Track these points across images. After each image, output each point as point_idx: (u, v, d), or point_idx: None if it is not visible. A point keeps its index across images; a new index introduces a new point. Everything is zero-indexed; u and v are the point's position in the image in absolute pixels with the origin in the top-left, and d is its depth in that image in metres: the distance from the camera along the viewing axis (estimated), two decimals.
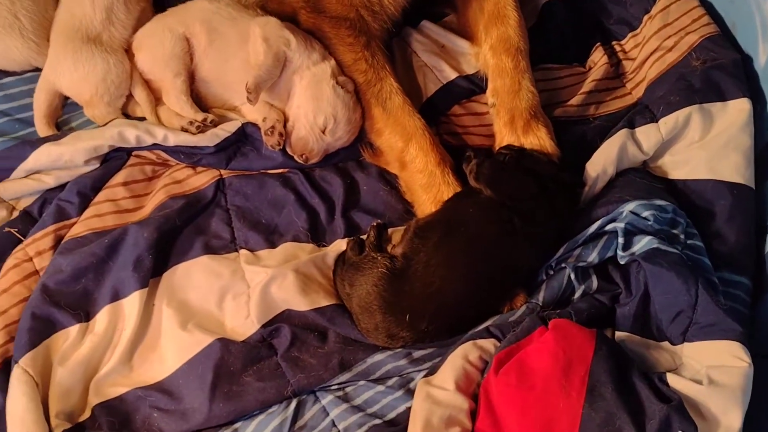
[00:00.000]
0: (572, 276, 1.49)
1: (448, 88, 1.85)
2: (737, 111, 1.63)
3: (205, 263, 1.58)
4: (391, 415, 1.41)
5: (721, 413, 1.25)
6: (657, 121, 1.66)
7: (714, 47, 1.74)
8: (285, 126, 1.70)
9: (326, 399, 1.44)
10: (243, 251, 1.61)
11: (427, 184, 1.65)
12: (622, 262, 1.48)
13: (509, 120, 1.71)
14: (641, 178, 1.61)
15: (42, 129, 1.75)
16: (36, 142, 1.68)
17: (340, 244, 1.62)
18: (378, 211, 1.68)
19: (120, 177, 1.69)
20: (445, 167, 1.66)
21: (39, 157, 1.65)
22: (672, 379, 1.30)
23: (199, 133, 1.70)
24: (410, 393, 1.41)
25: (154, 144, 1.70)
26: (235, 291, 1.55)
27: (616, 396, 1.25)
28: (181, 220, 1.62)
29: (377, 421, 1.40)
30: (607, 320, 1.48)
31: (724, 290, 1.48)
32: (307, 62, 1.71)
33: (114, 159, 1.72)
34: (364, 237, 1.61)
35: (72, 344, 1.48)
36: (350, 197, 1.70)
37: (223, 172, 1.73)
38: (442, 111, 1.84)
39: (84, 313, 1.52)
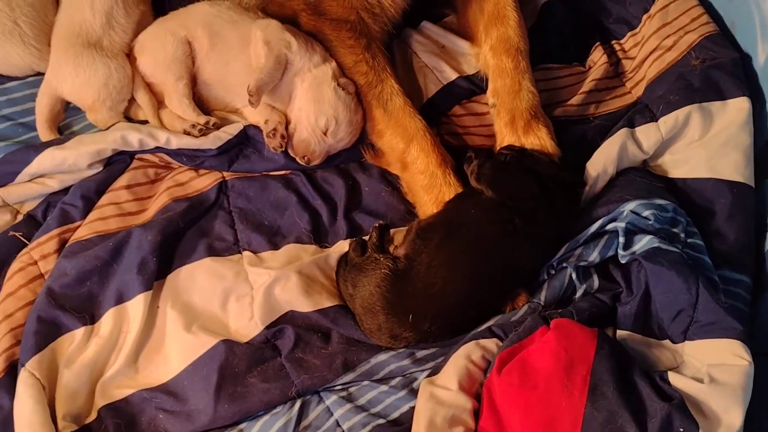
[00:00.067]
0: (573, 275, 1.50)
1: (448, 88, 1.86)
2: (737, 110, 1.64)
3: (208, 265, 1.59)
4: (395, 414, 1.42)
5: (722, 411, 1.25)
6: (657, 120, 1.67)
7: (713, 46, 1.74)
8: (287, 128, 1.71)
9: (330, 399, 1.45)
10: (246, 253, 1.62)
11: (428, 185, 1.66)
12: (622, 262, 1.49)
13: (510, 120, 1.72)
14: (641, 177, 1.62)
15: (44, 133, 1.76)
16: (40, 147, 1.69)
17: (343, 245, 1.63)
18: (380, 212, 1.69)
19: (123, 180, 1.70)
20: (447, 168, 1.66)
21: (43, 161, 1.66)
22: (673, 378, 1.31)
23: (201, 135, 1.71)
24: (413, 393, 1.42)
25: (157, 147, 1.71)
26: (239, 293, 1.56)
27: (617, 395, 1.25)
28: (185, 222, 1.63)
29: (381, 421, 1.41)
30: (608, 319, 1.48)
31: (725, 288, 1.49)
32: (308, 64, 1.72)
33: (117, 162, 1.73)
34: (366, 238, 1.61)
35: (78, 347, 1.49)
36: (352, 198, 1.71)
37: (225, 174, 1.73)
38: (443, 111, 1.84)
39: (89, 316, 1.53)
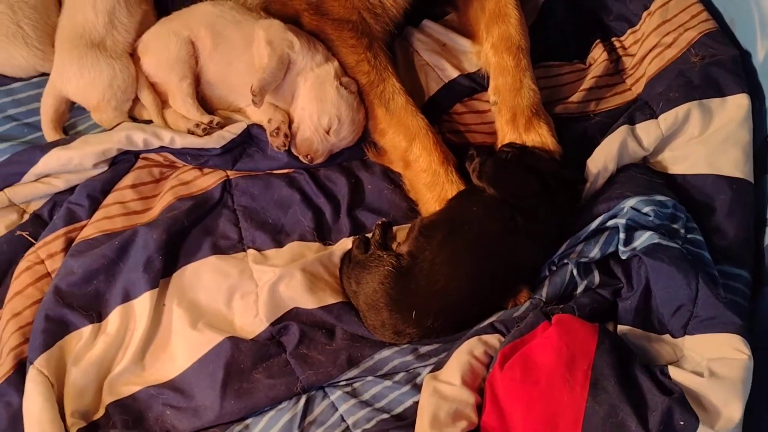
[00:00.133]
0: (574, 271, 1.51)
1: (450, 86, 1.87)
2: (736, 106, 1.65)
3: (213, 263, 1.61)
4: (399, 409, 1.44)
5: (722, 405, 1.27)
6: (657, 117, 1.68)
7: (713, 43, 1.75)
8: (290, 127, 1.72)
9: (335, 395, 1.46)
10: (250, 251, 1.64)
11: (431, 183, 1.67)
12: (623, 257, 1.50)
13: (511, 118, 1.73)
14: (641, 173, 1.63)
15: (49, 134, 1.78)
16: (45, 147, 1.70)
17: (346, 243, 1.64)
18: (382, 209, 1.70)
19: (128, 179, 1.71)
20: (449, 166, 1.68)
21: (49, 161, 1.68)
22: (673, 372, 1.32)
23: (205, 135, 1.72)
24: (417, 388, 1.43)
25: (162, 146, 1.72)
26: (244, 290, 1.57)
27: (618, 389, 1.27)
28: (189, 221, 1.65)
29: (385, 416, 1.42)
30: (609, 314, 1.50)
31: (724, 283, 1.50)
32: (310, 64, 1.73)
33: (122, 162, 1.74)
34: (369, 235, 1.63)
35: (85, 345, 1.51)
36: (355, 196, 1.72)
37: (229, 173, 1.75)
38: (445, 109, 1.86)
39: (96, 314, 1.54)
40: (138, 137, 1.71)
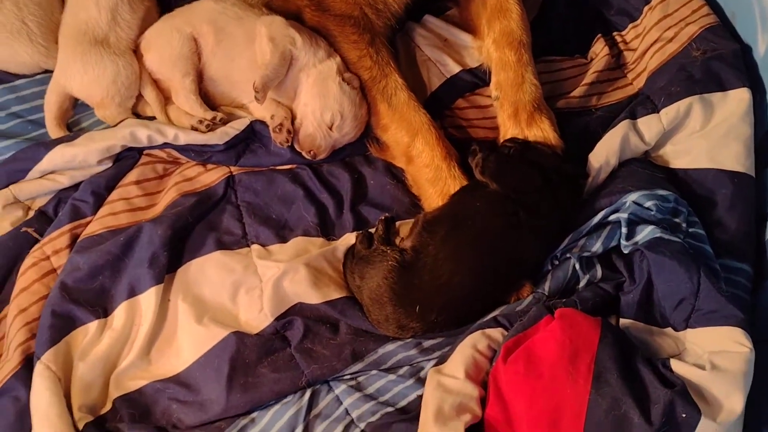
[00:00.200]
0: (577, 266, 1.52)
1: (452, 81, 1.88)
2: (737, 101, 1.66)
3: (218, 259, 1.61)
4: (403, 403, 1.45)
5: (724, 397, 1.27)
6: (658, 112, 1.69)
7: (714, 38, 1.76)
8: (293, 123, 1.73)
9: (339, 388, 1.47)
10: (255, 246, 1.65)
11: (433, 178, 1.68)
12: (625, 252, 1.51)
13: (513, 113, 1.74)
14: (643, 168, 1.64)
15: (53, 131, 1.78)
16: (50, 144, 1.71)
17: (350, 238, 1.65)
18: (385, 204, 1.71)
19: (132, 176, 1.72)
20: (451, 161, 1.68)
21: (53, 158, 1.68)
22: (675, 365, 1.33)
23: (208, 131, 1.73)
24: (421, 381, 1.44)
25: (165, 143, 1.73)
26: (248, 285, 1.58)
27: (621, 382, 1.27)
28: (194, 216, 1.65)
29: (389, 409, 1.43)
30: (611, 308, 1.50)
31: (726, 277, 1.50)
32: (313, 60, 1.74)
33: (126, 158, 1.75)
34: (372, 230, 1.64)
35: (91, 340, 1.52)
36: (358, 191, 1.73)
37: (232, 169, 1.76)
38: (447, 105, 1.86)
39: (102, 310, 1.55)
40: (142, 134, 1.72)
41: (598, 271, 1.54)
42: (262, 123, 1.76)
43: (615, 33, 1.97)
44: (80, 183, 1.71)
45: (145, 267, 1.56)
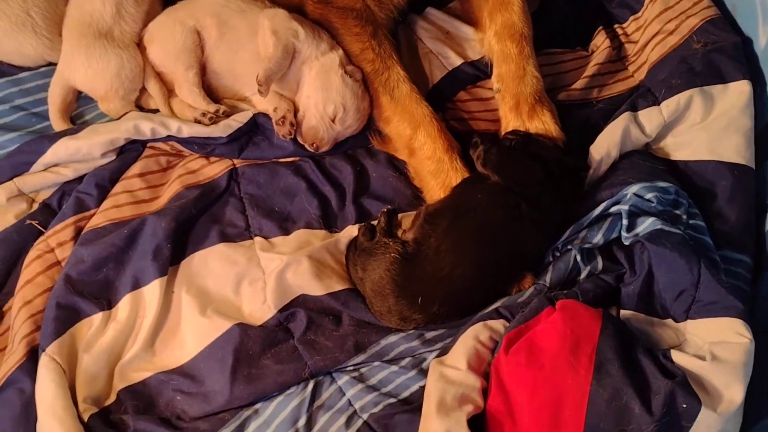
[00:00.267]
0: (578, 257, 1.52)
1: (453, 74, 1.88)
2: (737, 93, 1.66)
3: (221, 251, 1.62)
4: (405, 394, 1.45)
5: (724, 388, 1.28)
6: (659, 104, 1.69)
7: (715, 30, 1.76)
8: (295, 115, 1.74)
9: (342, 380, 1.48)
10: (258, 239, 1.65)
11: (435, 171, 1.69)
12: (626, 243, 1.52)
13: (514, 105, 1.74)
14: (644, 160, 1.64)
15: (57, 123, 1.79)
16: (54, 136, 1.71)
17: (352, 230, 1.66)
18: (387, 197, 1.72)
19: (136, 168, 1.73)
20: (453, 153, 1.69)
21: (57, 150, 1.69)
22: (676, 356, 1.34)
23: (211, 124, 1.73)
24: (423, 372, 1.45)
25: (169, 136, 1.74)
26: (252, 277, 1.59)
27: (622, 372, 1.28)
28: (197, 209, 1.66)
29: (392, 400, 1.44)
30: (612, 299, 1.51)
31: (726, 268, 1.51)
32: (315, 53, 1.74)
33: (129, 151, 1.76)
34: (374, 223, 1.64)
35: (96, 332, 1.53)
36: (360, 184, 1.74)
37: (235, 161, 1.76)
38: (448, 97, 1.87)
39: (106, 302, 1.56)
40: (145, 126, 1.72)
41: (599, 263, 1.54)
42: (265, 116, 1.76)
43: (616, 25, 1.97)
44: (84, 176, 1.72)
45: (148, 259, 1.57)
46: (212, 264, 1.61)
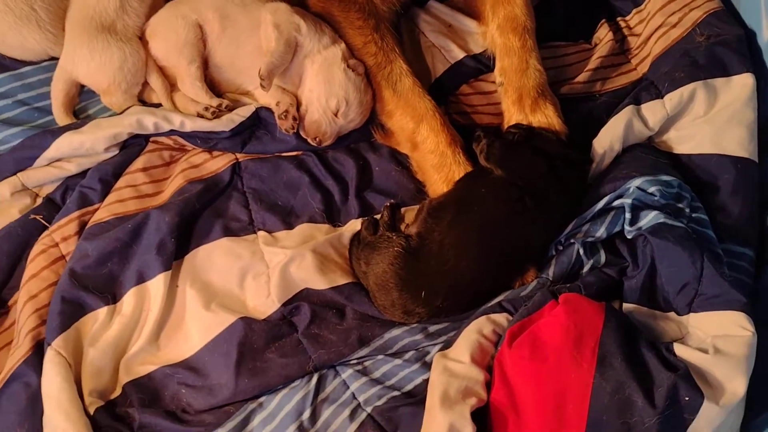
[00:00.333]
0: (581, 251, 1.53)
1: (456, 67, 1.88)
2: (741, 86, 1.66)
3: (225, 245, 1.63)
4: (409, 387, 1.46)
5: (727, 381, 1.29)
6: (662, 97, 1.69)
7: (718, 23, 1.76)
8: (298, 110, 1.74)
9: (346, 373, 1.48)
10: (261, 233, 1.66)
11: (438, 164, 1.69)
12: (629, 237, 1.52)
13: (517, 98, 1.74)
14: (647, 153, 1.65)
15: (60, 118, 1.79)
16: (57, 131, 1.71)
17: (355, 224, 1.66)
18: (390, 191, 1.72)
19: (139, 163, 1.73)
20: (456, 147, 1.69)
21: (60, 145, 1.69)
22: (679, 349, 1.34)
23: (214, 118, 1.73)
24: (427, 366, 1.46)
25: (172, 130, 1.73)
26: (255, 271, 1.59)
27: (625, 366, 1.29)
28: (200, 203, 1.66)
29: (396, 393, 1.45)
30: (615, 293, 1.52)
31: (729, 261, 1.51)
32: (317, 46, 1.74)
33: (132, 145, 1.75)
34: (377, 217, 1.65)
35: (101, 326, 1.53)
36: (363, 178, 1.74)
37: (238, 155, 1.76)
38: (451, 91, 1.87)
39: (111, 296, 1.57)
40: (148, 121, 1.72)
41: (602, 257, 1.55)
42: (268, 110, 1.76)
43: (619, 18, 1.97)
44: (87, 170, 1.72)
45: (153, 253, 1.58)
46: (216, 258, 1.62)
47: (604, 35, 1.93)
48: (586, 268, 1.54)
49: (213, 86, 1.80)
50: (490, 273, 1.52)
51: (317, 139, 1.72)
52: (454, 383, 1.36)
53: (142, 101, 1.81)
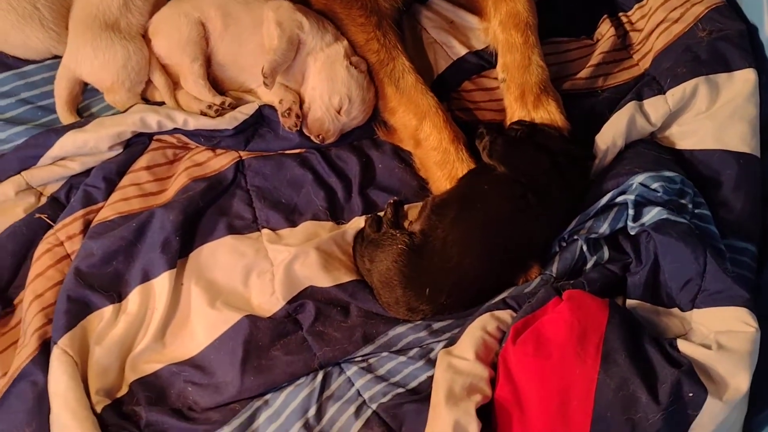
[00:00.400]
0: (584, 247, 1.53)
1: (458, 64, 1.88)
2: (743, 81, 1.66)
3: (229, 243, 1.63)
4: (413, 384, 1.47)
5: (730, 376, 1.29)
6: (664, 93, 1.69)
7: (720, 18, 1.76)
8: (301, 107, 1.74)
9: (351, 370, 1.49)
10: (265, 231, 1.66)
11: (441, 161, 1.69)
12: (632, 233, 1.52)
13: (520, 95, 1.74)
14: (649, 149, 1.65)
15: (64, 116, 1.79)
16: (61, 130, 1.72)
17: (359, 222, 1.66)
18: (393, 188, 1.72)
19: (143, 161, 1.73)
20: (459, 144, 1.69)
21: (64, 144, 1.69)
22: (682, 345, 1.35)
23: (217, 116, 1.73)
24: (431, 363, 1.46)
25: (175, 128, 1.74)
26: (260, 269, 1.60)
27: (629, 362, 1.29)
28: (204, 201, 1.67)
29: (400, 390, 1.45)
30: (618, 289, 1.52)
31: (731, 257, 1.52)
32: (320, 44, 1.74)
33: (136, 144, 1.76)
34: (381, 214, 1.65)
35: (107, 324, 1.54)
36: (366, 175, 1.74)
37: (242, 153, 1.77)
38: (453, 87, 1.87)
39: (116, 294, 1.57)
40: (152, 119, 1.72)
41: (606, 253, 1.55)
42: (271, 107, 1.76)
43: (621, 13, 1.97)
44: (91, 169, 1.72)
45: (157, 252, 1.58)
46: (220, 256, 1.62)
47: (605, 31, 1.92)
48: (589, 265, 1.55)
49: (216, 84, 1.80)
50: (493, 270, 1.53)
51: (320, 136, 1.72)
52: (458, 380, 1.36)
53: (145, 99, 1.81)
